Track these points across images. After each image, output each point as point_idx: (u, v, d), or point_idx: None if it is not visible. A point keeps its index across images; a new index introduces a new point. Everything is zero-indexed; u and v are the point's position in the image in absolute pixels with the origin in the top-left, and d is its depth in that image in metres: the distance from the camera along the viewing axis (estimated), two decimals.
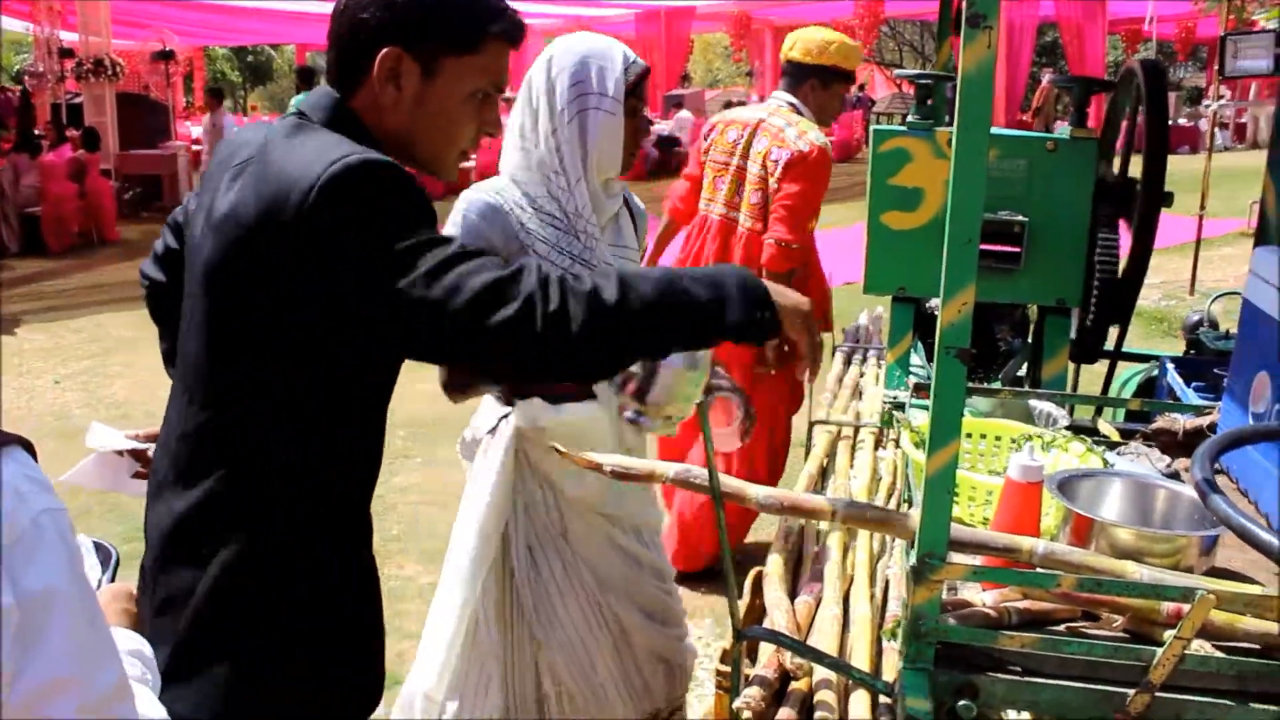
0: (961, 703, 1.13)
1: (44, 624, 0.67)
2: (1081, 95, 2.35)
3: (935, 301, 1.12)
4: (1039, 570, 1.16)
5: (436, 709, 1.74)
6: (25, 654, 0.66)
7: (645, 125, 1.73)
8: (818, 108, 3.04)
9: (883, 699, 1.26)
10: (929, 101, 2.38)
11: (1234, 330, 1.87)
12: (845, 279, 3.44)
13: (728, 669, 1.39)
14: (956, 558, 1.14)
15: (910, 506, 1.59)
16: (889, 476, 1.96)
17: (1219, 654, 1.11)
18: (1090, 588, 1.12)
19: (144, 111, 12.64)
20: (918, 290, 2.42)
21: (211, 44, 23.95)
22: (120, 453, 1.47)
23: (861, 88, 19.61)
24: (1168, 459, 1.66)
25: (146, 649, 0.99)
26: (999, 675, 1.14)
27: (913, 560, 1.12)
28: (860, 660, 1.35)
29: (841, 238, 3.32)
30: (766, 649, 1.40)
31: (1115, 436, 1.81)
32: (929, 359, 2.58)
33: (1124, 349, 2.66)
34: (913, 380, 2.04)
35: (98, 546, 1.39)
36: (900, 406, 1.94)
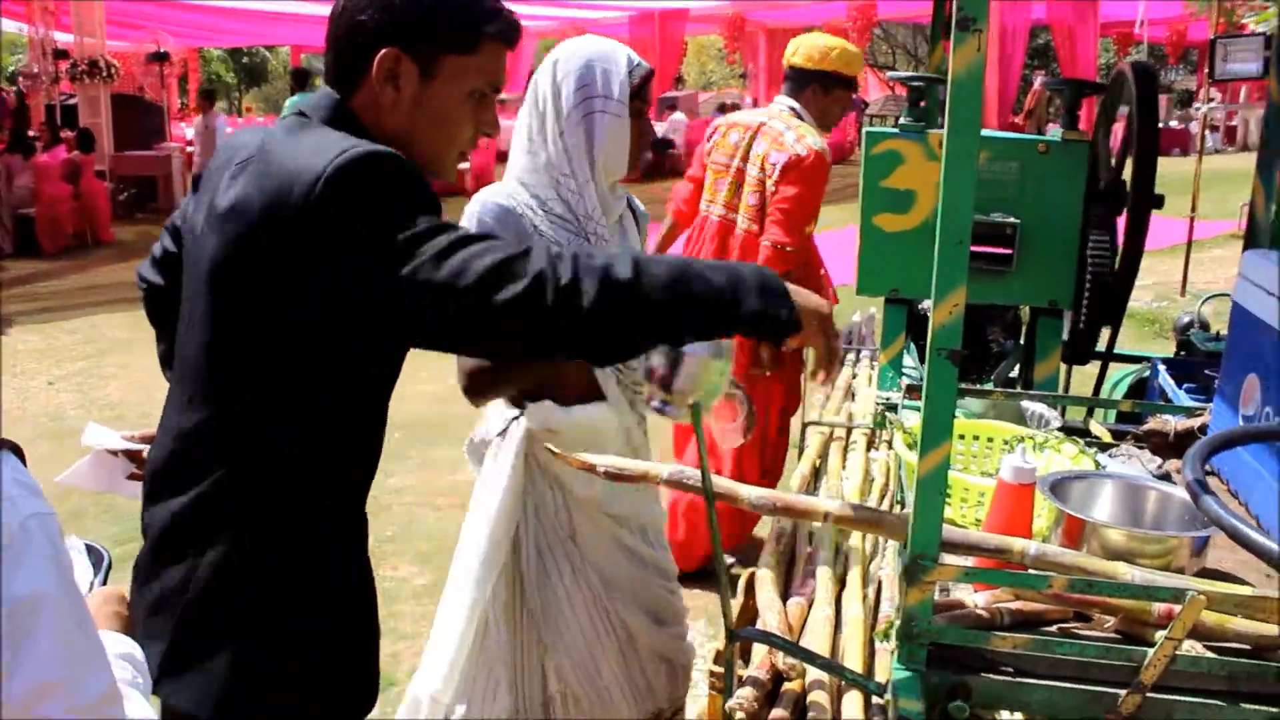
0: (954, 703, 1.14)
1: (32, 628, 0.67)
2: (1073, 98, 2.36)
3: (928, 303, 1.12)
4: (1031, 571, 1.17)
5: (443, 710, 1.75)
6: (14, 658, 0.66)
7: (649, 127, 1.74)
8: (819, 113, 3.07)
9: (875, 700, 1.27)
10: (921, 104, 2.39)
11: (1224, 332, 1.88)
12: (838, 280, 3.47)
13: (721, 670, 1.40)
14: (949, 559, 1.15)
15: (902, 508, 1.59)
16: (881, 478, 1.96)
17: (1210, 655, 1.12)
18: (1082, 589, 1.12)
19: (139, 113, 12.62)
20: (910, 292, 2.43)
21: (206, 45, 23.89)
22: (116, 453, 1.47)
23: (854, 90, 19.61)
24: (1159, 460, 1.67)
25: (137, 652, 0.99)
26: (991, 676, 1.15)
27: (905, 561, 1.13)
28: (853, 661, 1.36)
29: (834, 239, 3.33)
30: (759, 650, 1.41)
31: (1107, 438, 1.82)
32: (921, 360, 2.59)
33: (1115, 350, 2.67)
34: (905, 381, 2.05)
35: (90, 549, 1.40)
36: (893, 408, 1.95)
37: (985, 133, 2.35)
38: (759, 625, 1.44)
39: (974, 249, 1.76)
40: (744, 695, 1.28)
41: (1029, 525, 1.29)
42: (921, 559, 1.11)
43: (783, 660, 1.33)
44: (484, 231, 1.59)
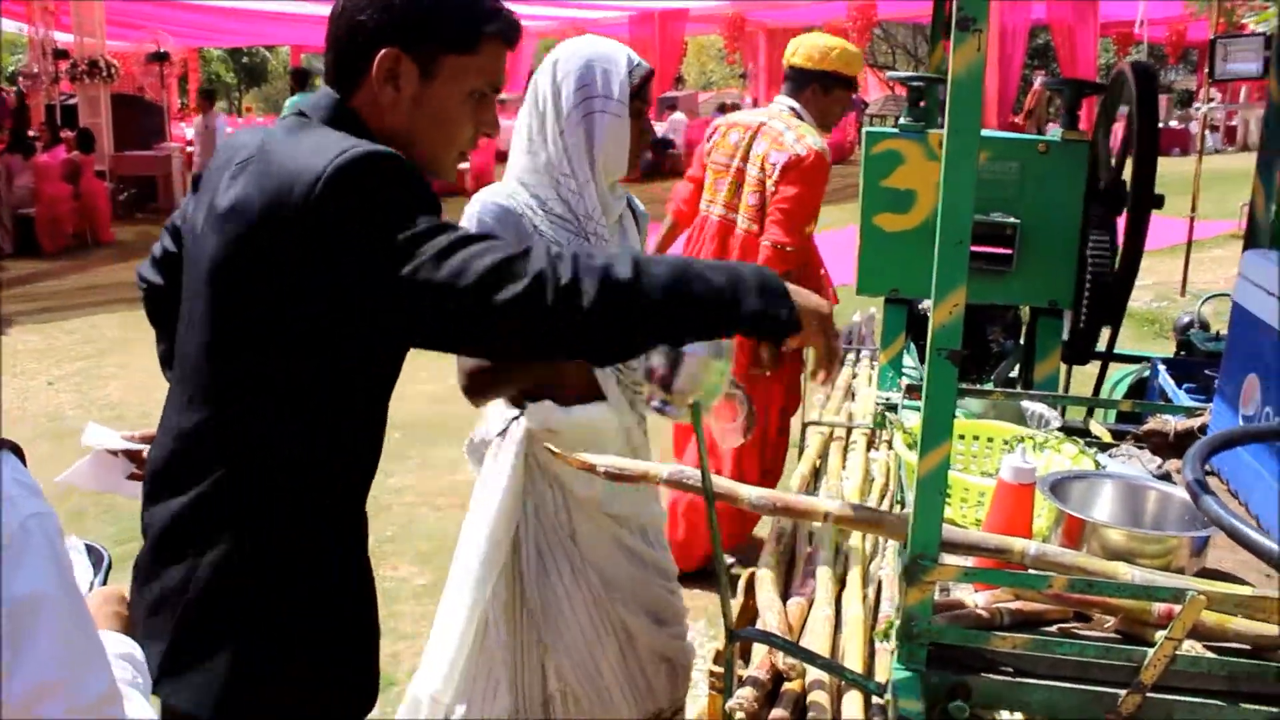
0: (954, 703, 1.14)
1: (31, 628, 0.67)
2: (1073, 98, 2.36)
3: (928, 303, 1.12)
4: (1031, 571, 1.17)
5: (443, 710, 1.75)
6: (14, 658, 0.66)
7: (649, 127, 1.74)
8: (819, 113, 3.08)
9: (875, 700, 1.27)
10: (921, 104, 2.39)
11: (1224, 332, 1.88)
12: (838, 280, 3.48)
13: (721, 670, 1.40)
14: (948, 559, 1.15)
15: (902, 508, 1.59)
16: (881, 478, 1.96)
17: (1210, 655, 1.12)
18: (1082, 589, 1.12)
19: (139, 113, 12.63)
20: (910, 292, 2.43)
21: (206, 45, 23.88)
22: (116, 453, 1.47)
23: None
24: (1159, 460, 1.67)
25: (137, 652, 0.99)
26: (991, 676, 1.15)
27: (905, 561, 1.13)
28: (853, 661, 1.36)
29: (834, 239, 3.33)
30: (759, 650, 1.41)
31: (1107, 438, 1.82)
32: (921, 360, 2.59)
33: (1116, 350, 2.67)
34: (905, 381, 2.05)
35: (90, 549, 1.39)
36: (893, 408, 1.95)
37: (985, 133, 2.35)
38: (759, 625, 1.44)
39: (974, 249, 1.76)
40: (744, 695, 1.28)
41: (1029, 525, 1.29)
42: (921, 559, 1.11)
43: (783, 660, 1.33)
44: (484, 232, 1.59)
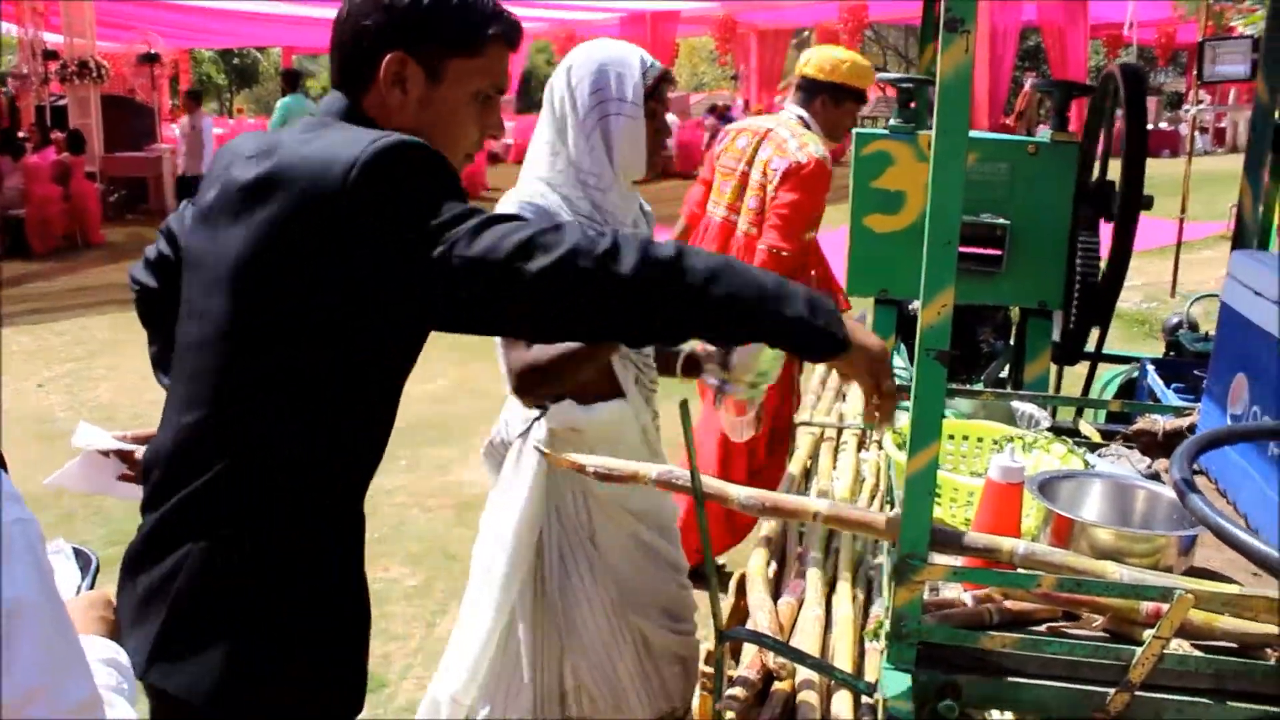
0: (944, 703, 1.14)
1: (12, 634, 0.66)
2: (1062, 99, 2.37)
3: (917, 304, 1.13)
4: (1020, 571, 1.17)
5: (464, 711, 1.76)
6: None
7: (665, 127, 1.77)
8: (827, 123, 3.13)
9: (865, 699, 1.27)
10: (911, 105, 2.39)
11: (1213, 332, 1.89)
12: None
13: (711, 670, 1.40)
14: (938, 558, 1.15)
15: (892, 508, 1.60)
16: (872, 478, 1.96)
17: (1197, 653, 1.12)
18: (1070, 588, 1.12)
19: (129, 114, 12.59)
20: (900, 292, 2.44)
21: (197, 46, 23.84)
22: (107, 453, 1.46)
23: None
24: (1148, 460, 1.67)
25: (122, 657, 0.98)
26: (981, 675, 1.15)
27: (894, 561, 1.13)
28: (843, 661, 1.36)
29: (824, 241, 3.38)
30: (750, 650, 1.41)
31: (1096, 438, 1.83)
32: (911, 361, 2.60)
33: (1105, 351, 2.68)
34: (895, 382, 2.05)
35: (78, 553, 1.38)
36: None
37: (975, 134, 2.36)
38: (749, 625, 1.44)
39: (964, 250, 1.76)
40: (734, 695, 1.29)
41: (1018, 525, 1.29)
42: (911, 559, 1.11)
43: (773, 660, 1.33)
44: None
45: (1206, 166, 11.59)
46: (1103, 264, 2.33)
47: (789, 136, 3.04)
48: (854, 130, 2.43)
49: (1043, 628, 1.20)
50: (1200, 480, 1.57)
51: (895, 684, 1.13)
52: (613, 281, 1.04)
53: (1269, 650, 1.13)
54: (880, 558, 1.64)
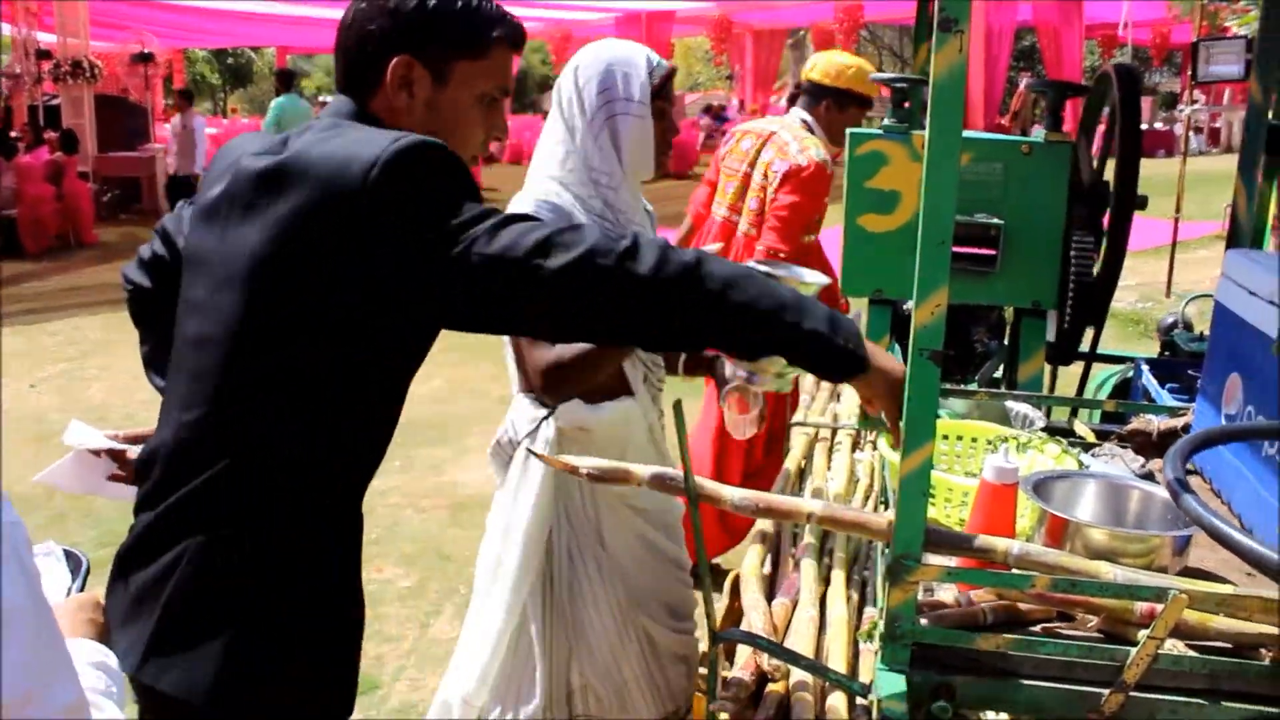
0: (938, 704, 1.14)
1: None
2: (1056, 99, 2.37)
3: (911, 304, 1.12)
4: (1014, 571, 1.17)
5: (475, 712, 1.76)
6: None
7: (673, 125, 1.78)
8: (831, 128, 3.17)
9: (859, 701, 1.26)
10: (905, 105, 2.39)
11: (1208, 332, 1.89)
12: None
13: (704, 671, 1.39)
14: (932, 559, 1.15)
15: (886, 508, 1.59)
16: (866, 478, 1.96)
17: (1192, 653, 1.12)
18: (1065, 588, 1.12)
19: (122, 114, 12.56)
20: (894, 292, 2.43)
21: (191, 46, 23.78)
22: (98, 453, 1.45)
23: None
24: (1142, 460, 1.67)
25: (111, 660, 0.97)
26: (975, 676, 1.15)
27: (888, 562, 1.13)
28: (837, 662, 1.36)
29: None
30: (744, 651, 1.40)
31: (1091, 438, 1.82)
32: (905, 361, 2.59)
33: (1100, 351, 2.68)
34: None
35: (69, 554, 1.38)
36: None
37: (968, 134, 2.36)
38: (744, 626, 1.43)
39: (958, 250, 1.76)
40: (728, 696, 1.28)
41: (1012, 525, 1.29)
42: (904, 559, 1.11)
43: (767, 661, 1.33)
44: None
45: (1201, 166, 11.61)
46: (1097, 264, 2.33)
47: (791, 139, 3.09)
48: (848, 130, 2.43)
49: (1037, 628, 1.19)
50: (1195, 480, 1.57)
51: (889, 685, 1.12)
52: (631, 280, 1.05)
53: (1263, 650, 1.13)
54: (875, 558, 1.64)
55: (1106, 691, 1.10)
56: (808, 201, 3.01)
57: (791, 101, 3.80)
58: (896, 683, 1.12)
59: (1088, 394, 2.86)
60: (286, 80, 10.77)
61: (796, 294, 1.11)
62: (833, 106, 3.13)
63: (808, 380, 2.78)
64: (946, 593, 1.26)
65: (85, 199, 10.46)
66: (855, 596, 1.57)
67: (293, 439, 1.17)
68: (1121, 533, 1.26)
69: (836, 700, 1.28)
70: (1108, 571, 1.15)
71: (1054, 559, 1.17)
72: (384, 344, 1.18)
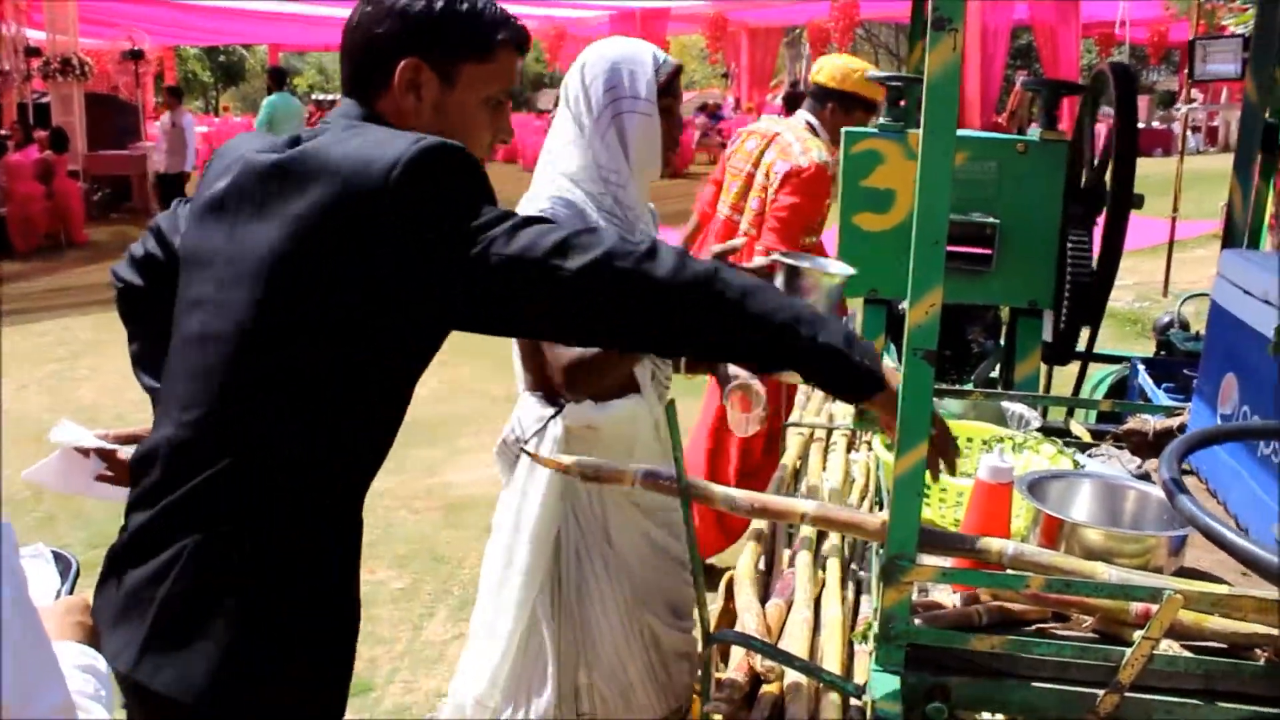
0: (932, 705, 1.13)
1: None
2: (1051, 98, 2.36)
3: (906, 303, 1.12)
4: (1009, 572, 1.16)
5: (489, 713, 1.76)
6: None
7: (679, 122, 1.79)
8: (835, 130, 3.20)
9: (854, 702, 1.26)
10: (900, 103, 2.38)
11: (1204, 332, 1.89)
12: None
13: (699, 672, 1.39)
14: (926, 559, 1.14)
15: (881, 508, 1.59)
16: (861, 478, 1.96)
17: (1187, 654, 1.12)
18: (1060, 589, 1.12)
19: (113, 112, 12.51)
20: (889, 292, 2.43)
21: (182, 44, 23.73)
22: (87, 452, 1.44)
23: None
24: (1138, 460, 1.67)
25: (99, 663, 0.96)
26: (970, 677, 1.14)
27: (882, 562, 1.12)
28: (831, 663, 1.35)
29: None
30: (738, 652, 1.40)
31: (1087, 438, 1.82)
32: (900, 361, 2.59)
33: (1097, 350, 2.68)
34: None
35: (57, 556, 1.37)
36: None
37: (963, 132, 2.35)
38: (738, 627, 1.43)
39: (953, 249, 1.75)
40: (722, 698, 1.27)
41: (1007, 525, 1.28)
42: (899, 559, 1.10)
43: (761, 662, 1.32)
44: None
45: (1199, 165, 11.62)
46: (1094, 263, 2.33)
47: (794, 141, 3.12)
48: (843, 129, 2.42)
49: (1032, 629, 1.19)
50: (1191, 480, 1.57)
51: (884, 686, 1.12)
52: (648, 283, 1.07)
53: (1258, 650, 1.12)
54: (869, 559, 1.63)
55: (1102, 692, 1.09)
56: (808, 203, 3.03)
57: (787, 100, 3.84)
58: (891, 683, 1.12)
59: (1084, 394, 2.86)
60: (278, 78, 10.73)
61: (814, 310, 1.12)
62: (837, 109, 3.15)
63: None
64: (942, 594, 1.26)
65: (75, 198, 10.42)
66: (850, 597, 1.56)
67: (296, 438, 1.16)
68: (1117, 533, 1.26)
69: (831, 702, 1.27)
70: (1103, 572, 1.14)
71: (1049, 559, 1.16)
72: (393, 344, 1.18)
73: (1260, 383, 1.43)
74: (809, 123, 3.19)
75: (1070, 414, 2.38)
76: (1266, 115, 1.93)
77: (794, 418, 2.36)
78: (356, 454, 1.23)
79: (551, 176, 1.72)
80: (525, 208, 1.67)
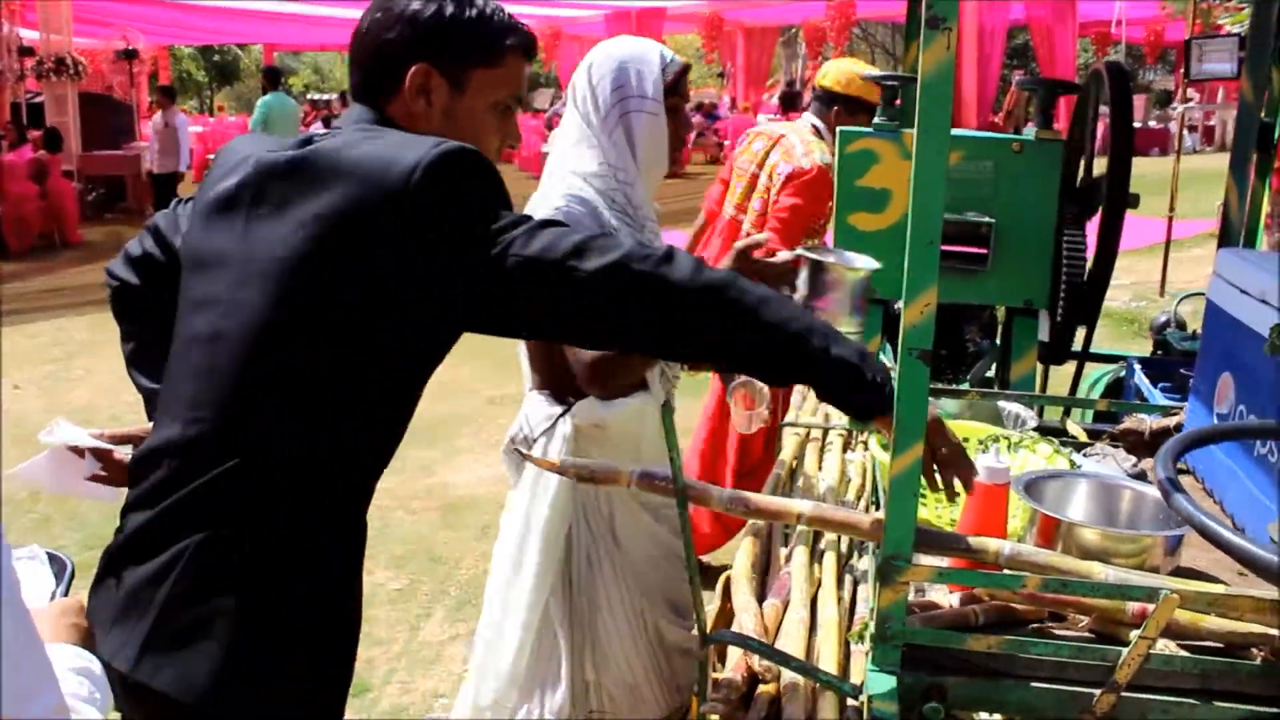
0: (929, 705, 1.13)
1: None
2: (1046, 97, 2.36)
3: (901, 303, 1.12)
4: (1005, 571, 1.16)
5: (507, 713, 1.76)
6: None
7: (687, 122, 1.79)
8: None
9: (850, 702, 1.26)
10: (896, 103, 2.38)
11: (1200, 331, 1.89)
12: None
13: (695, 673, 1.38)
14: (923, 559, 1.14)
15: (878, 508, 1.59)
16: (858, 479, 1.95)
17: (1183, 653, 1.12)
18: (1056, 588, 1.12)
19: (107, 111, 12.48)
20: (885, 292, 2.42)
21: (177, 43, 23.67)
22: (81, 452, 1.43)
23: None
24: (1134, 459, 1.67)
25: (95, 666, 0.96)
26: (966, 677, 1.14)
27: (879, 562, 1.12)
28: (828, 663, 1.35)
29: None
30: (735, 652, 1.39)
31: (1083, 437, 1.82)
32: (895, 360, 2.58)
33: (1093, 350, 2.68)
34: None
35: (52, 558, 1.36)
36: None
37: (959, 132, 2.35)
38: (735, 627, 1.42)
39: (949, 248, 1.75)
40: (718, 698, 1.27)
41: (1003, 525, 1.28)
42: (895, 559, 1.10)
43: (758, 663, 1.32)
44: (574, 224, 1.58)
45: (1195, 164, 11.65)
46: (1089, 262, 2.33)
47: (797, 143, 3.15)
48: (838, 128, 2.42)
49: (1029, 629, 1.19)
50: (1187, 480, 1.57)
51: (880, 686, 1.12)
52: (664, 287, 1.08)
53: (1255, 650, 1.12)
54: (866, 559, 1.63)
55: (1098, 692, 1.10)
56: (808, 204, 3.05)
57: (783, 100, 3.87)
58: (887, 684, 1.12)
59: (1080, 393, 2.86)
60: (273, 78, 10.71)
61: (829, 324, 1.14)
62: (842, 113, 3.17)
63: None
64: (938, 594, 1.26)
65: (69, 198, 10.39)
66: (846, 597, 1.56)
67: (305, 438, 1.16)
68: (1113, 532, 1.26)
69: (827, 702, 1.27)
70: (1099, 571, 1.14)
71: (1045, 559, 1.16)
72: (404, 345, 1.18)
73: (1257, 382, 1.43)
74: (814, 126, 3.22)
75: (1066, 413, 2.38)
76: (1262, 114, 1.94)
77: (790, 417, 2.35)
78: (365, 454, 1.23)
79: (563, 175, 1.72)
80: (538, 206, 1.67)
